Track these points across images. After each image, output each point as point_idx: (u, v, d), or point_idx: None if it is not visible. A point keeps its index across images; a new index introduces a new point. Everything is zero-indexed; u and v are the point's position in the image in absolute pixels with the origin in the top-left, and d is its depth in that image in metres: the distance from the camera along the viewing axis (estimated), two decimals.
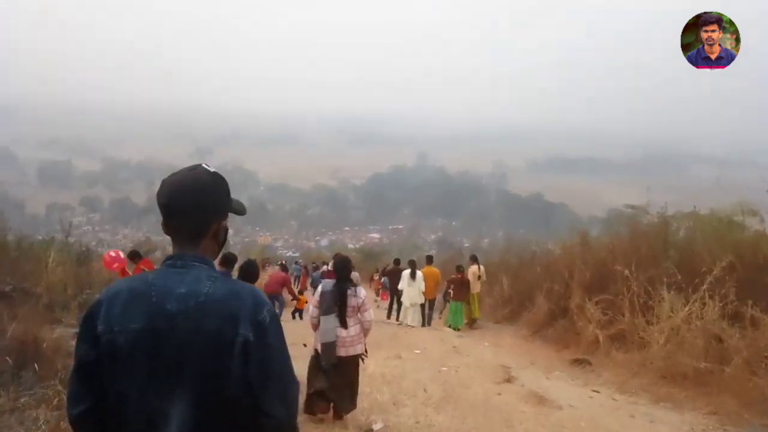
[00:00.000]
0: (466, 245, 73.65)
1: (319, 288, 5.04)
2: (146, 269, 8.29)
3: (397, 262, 14.90)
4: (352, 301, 4.87)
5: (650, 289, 7.30)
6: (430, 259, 13.78)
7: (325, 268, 16.04)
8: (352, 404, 5.02)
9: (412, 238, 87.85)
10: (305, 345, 6.16)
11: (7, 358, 4.32)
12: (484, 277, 12.97)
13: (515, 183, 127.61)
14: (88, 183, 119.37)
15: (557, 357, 7.84)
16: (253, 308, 1.49)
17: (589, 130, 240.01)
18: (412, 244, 71.85)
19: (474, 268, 12.74)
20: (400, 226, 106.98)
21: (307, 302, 14.53)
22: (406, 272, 12.23)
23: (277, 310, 12.25)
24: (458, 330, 11.46)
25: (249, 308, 1.48)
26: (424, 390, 6.02)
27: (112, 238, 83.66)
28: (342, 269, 5.06)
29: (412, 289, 12.05)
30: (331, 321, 4.78)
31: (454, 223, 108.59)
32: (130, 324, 1.43)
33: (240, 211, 1.78)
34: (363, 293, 5.01)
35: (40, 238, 13.77)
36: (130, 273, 8.35)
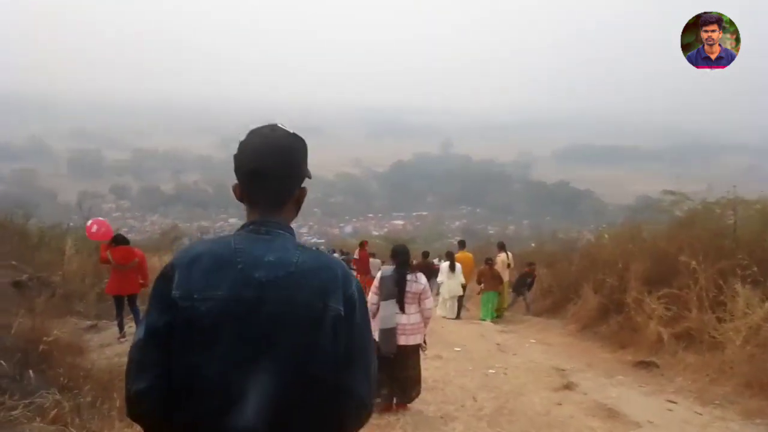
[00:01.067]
0: (491, 232, 73.05)
1: (379, 273, 4.90)
2: (115, 259, 7.81)
3: (425, 255, 14.14)
4: (412, 287, 4.73)
5: (721, 282, 6.48)
6: (462, 244, 13.37)
7: (355, 255, 15.13)
8: (416, 392, 4.92)
9: (437, 226, 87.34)
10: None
11: (1, 362, 3.74)
12: (512, 265, 12.63)
13: (540, 171, 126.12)
14: (117, 172, 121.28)
15: (616, 358, 7.04)
16: (343, 282, 1.42)
17: (615, 117, 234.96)
18: (437, 231, 71.34)
19: (503, 255, 12.34)
20: (425, 213, 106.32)
21: None
22: (445, 265, 11.72)
23: None
24: (493, 322, 10.93)
25: (340, 281, 1.41)
26: (474, 399, 5.37)
27: (140, 224, 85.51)
28: (402, 254, 4.92)
29: (452, 281, 11.53)
30: (390, 307, 4.65)
31: (478, 210, 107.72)
32: (214, 291, 1.33)
33: (309, 175, 1.67)
34: (424, 280, 4.85)
35: (65, 226, 13.47)
36: (107, 255, 7.84)
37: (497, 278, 11.46)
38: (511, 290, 12.60)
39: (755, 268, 6.28)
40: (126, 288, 7.89)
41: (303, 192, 1.61)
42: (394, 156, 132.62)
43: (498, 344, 7.89)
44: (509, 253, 12.52)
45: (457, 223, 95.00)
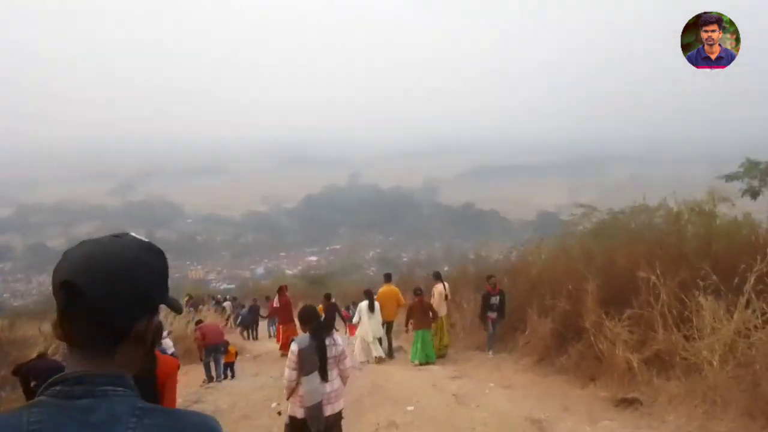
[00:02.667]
0: (405, 259, 73.60)
1: (293, 346, 4.37)
2: None
3: (327, 296, 13.04)
4: (332, 351, 4.40)
5: (683, 296, 5.98)
6: (388, 278, 12.09)
7: (274, 303, 13.51)
8: None
9: (351, 257, 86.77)
10: (280, 413, 5.23)
11: None
12: (450, 296, 11.43)
13: (446, 195, 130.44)
14: None
15: (591, 396, 6.27)
16: None
17: (511, 137, 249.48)
18: (352, 263, 70.57)
19: (439, 287, 11.09)
20: (338, 246, 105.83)
21: (237, 353, 12.41)
22: (364, 304, 10.86)
23: (212, 368, 9.88)
24: (433, 363, 9.76)
25: None
26: None
27: (26, 287, 77.96)
28: (313, 319, 4.49)
29: (373, 321, 10.75)
30: (314, 380, 4.27)
31: (391, 238, 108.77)
32: None
33: (176, 307, 1.13)
34: (341, 340, 4.56)
35: None
36: None
37: (429, 312, 10.26)
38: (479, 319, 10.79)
39: (715, 277, 5.83)
40: None
41: (150, 326, 1.05)
42: (303, 190, 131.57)
43: (454, 395, 6.91)
44: (446, 283, 11.35)
45: (372, 252, 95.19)
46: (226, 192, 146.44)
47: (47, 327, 12.43)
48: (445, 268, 27.41)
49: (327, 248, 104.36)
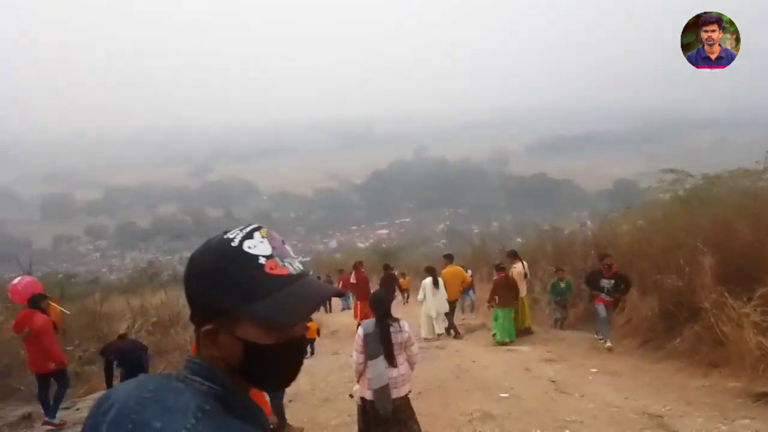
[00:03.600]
0: (476, 232, 72.45)
1: (360, 330, 4.55)
2: (29, 325, 6.10)
3: (386, 267, 13.01)
4: (398, 338, 4.44)
5: None
6: (449, 258, 11.73)
7: (351, 279, 13.16)
8: None
9: (421, 231, 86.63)
10: (351, 396, 5.14)
11: None
12: (529, 275, 10.81)
13: (516, 166, 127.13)
14: (91, 212, 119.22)
15: (716, 387, 5.48)
16: None
17: (584, 105, 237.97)
18: (422, 236, 70.46)
19: (518, 266, 10.40)
20: (407, 220, 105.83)
21: (318, 330, 12.24)
22: (428, 281, 10.73)
23: None
24: (512, 343, 9.25)
25: None
26: None
27: (120, 263, 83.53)
28: (380, 305, 4.56)
29: (438, 298, 10.59)
30: (380, 364, 4.37)
31: (460, 211, 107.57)
32: None
33: (276, 320, 1.01)
34: (407, 327, 4.54)
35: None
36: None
37: (514, 290, 9.73)
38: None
39: None
40: (38, 364, 6.19)
41: (220, 334, 1.02)
42: (370, 166, 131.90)
43: (553, 381, 6.26)
44: (524, 261, 10.64)
45: (441, 226, 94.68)
46: (296, 170, 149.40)
47: (136, 301, 13.00)
48: (518, 240, 26.40)
49: (396, 222, 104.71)
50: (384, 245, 52.43)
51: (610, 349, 7.73)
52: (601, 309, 8.21)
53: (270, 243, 1.09)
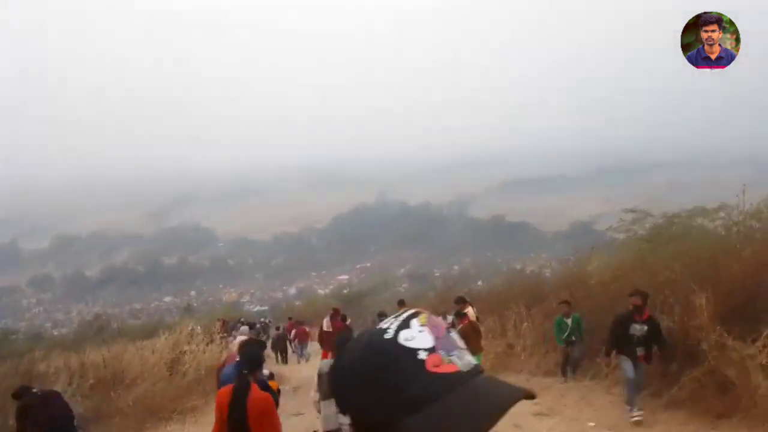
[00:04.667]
0: (437, 275, 72.17)
1: (318, 368, 4.61)
2: None
3: (335, 312, 12.37)
4: None
5: None
6: (401, 304, 11.68)
7: (324, 327, 12.17)
8: None
9: (383, 275, 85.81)
10: None
11: None
12: (479, 320, 10.56)
13: (476, 209, 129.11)
14: (37, 262, 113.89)
15: None
16: None
17: (541, 149, 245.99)
18: (383, 281, 69.48)
19: (469, 310, 9.91)
20: (368, 264, 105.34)
21: (279, 389, 11.09)
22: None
23: None
24: None
25: None
26: None
27: (65, 317, 79.12)
28: (337, 348, 4.54)
29: None
30: (331, 406, 4.24)
31: (421, 254, 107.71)
32: None
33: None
34: None
35: None
36: None
37: (479, 335, 9.04)
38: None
39: None
40: None
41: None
42: (333, 210, 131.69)
43: None
44: (473, 306, 10.32)
45: (402, 270, 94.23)
46: (256, 215, 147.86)
47: (79, 358, 11.75)
48: (479, 283, 26.11)
49: (357, 266, 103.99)
50: (345, 291, 51.40)
51: (639, 423, 5.98)
52: (628, 367, 6.25)
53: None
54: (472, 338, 8.83)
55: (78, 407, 6.36)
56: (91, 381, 8.66)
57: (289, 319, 19.87)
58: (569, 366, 8.66)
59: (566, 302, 9.06)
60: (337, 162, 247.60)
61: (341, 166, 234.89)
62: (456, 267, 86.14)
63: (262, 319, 29.34)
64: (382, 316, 9.89)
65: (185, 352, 11.03)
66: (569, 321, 8.80)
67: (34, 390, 5.13)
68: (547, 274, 16.82)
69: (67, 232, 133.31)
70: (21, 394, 5.26)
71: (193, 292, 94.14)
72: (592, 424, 6.18)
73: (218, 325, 17.89)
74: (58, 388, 7.80)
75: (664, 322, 6.24)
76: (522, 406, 5.17)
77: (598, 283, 10.01)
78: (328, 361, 4.72)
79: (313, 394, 4.59)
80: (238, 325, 22.58)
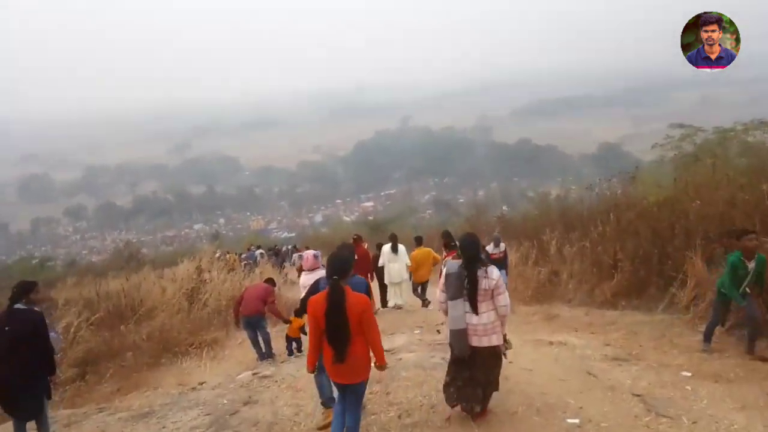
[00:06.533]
0: (461, 201, 71.46)
1: (443, 269, 4.51)
2: None
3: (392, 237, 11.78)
4: (483, 284, 4.19)
5: None
6: (419, 241, 11.06)
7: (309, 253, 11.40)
8: (483, 405, 4.41)
9: (407, 202, 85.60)
10: (439, 331, 4.99)
11: None
12: None
13: (501, 133, 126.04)
14: (69, 193, 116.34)
15: None
16: None
17: (566, 69, 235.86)
18: (408, 207, 69.30)
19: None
20: (393, 191, 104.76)
21: (304, 325, 10.17)
22: (386, 247, 10.74)
23: (261, 344, 7.75)
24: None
25: None
26: None
27: (101, 244, 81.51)
28: (469, 248, 4.31)
29: (394, 264, 10.54)
30: (459, 307, 4.25)
31: (446, 180, 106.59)
32: None
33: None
34: (496, 273, 4.23)
35: None
36: None
37: None
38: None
39: None
40: None
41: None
42: (355, 137, 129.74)
43: (637, 396, 4.52)
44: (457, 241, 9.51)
45: (427, 196, 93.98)
46: (280, 144, 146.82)
47: (111, 284, 11.36)
48: (504, 208, 25.21)
49: (382, 194, 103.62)
50: (371, 218, 51.26)
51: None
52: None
53: None
54: None
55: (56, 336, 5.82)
56: (99, 314, 8.07)
57: (306, 248, 18.68)
58: (736, 330, 6.20)
59: (750, 232, 5.81)
60: (358, 89, 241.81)
61: (362, 92, 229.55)
62: (481, 193, 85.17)
63: (276, 246, 28.42)
64: (394, 239, 10.67)
65: (206, 280, 10.48)
66: (751, 264, 5.73)
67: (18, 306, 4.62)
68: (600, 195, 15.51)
69: (97, 162, 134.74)
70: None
71: (222, 220, 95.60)
72: (687, 374, 5.11)
73: (233, 257, 17.01)
74: (66, 321, 7.36)
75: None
76: (589, 347, 4.13)
77: (653, 204, 8.98)
78: (456, 263, 4.29)
79: (440, 295, 4.47)
80: (253, 249, 22.14)
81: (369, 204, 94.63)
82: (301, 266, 9.89)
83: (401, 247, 10.60)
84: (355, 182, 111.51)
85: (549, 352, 5.95)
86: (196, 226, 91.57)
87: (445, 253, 9.39)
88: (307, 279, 6.00)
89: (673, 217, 7.63)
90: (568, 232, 11.35)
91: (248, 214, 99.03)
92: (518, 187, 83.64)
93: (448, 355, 4.42)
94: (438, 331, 5.17)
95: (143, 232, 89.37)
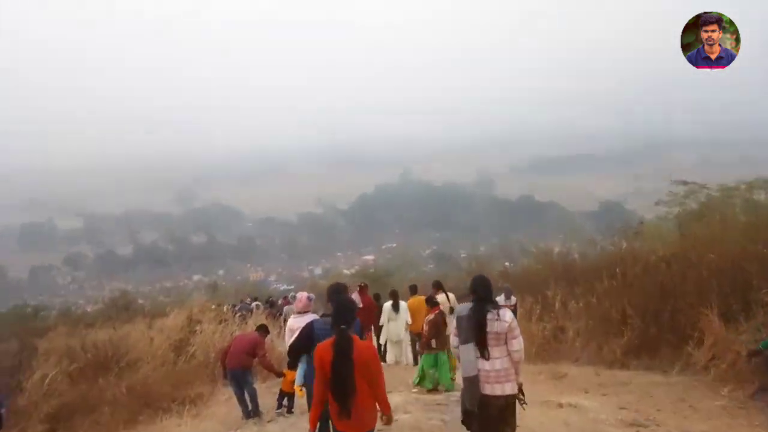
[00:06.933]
0: (463, 255, 71.04)
1: (456, 311, 4.37)
2: None
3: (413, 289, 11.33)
4: (495, 327, 3.96)
5: None
6: (414, 290, 10.74)
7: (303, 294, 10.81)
8: None
9: (408, 255, 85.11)
10: (453, 378, 4.88)
11: None
12: (455, 309, 9.27)
13: (502, 188, 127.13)
14: (71, 241, 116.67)
15: None
16: None
17: (567, 127, 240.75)
18: (408, 261, 68.75)
19: (440, 297, 9.01)
20: (393, 245, 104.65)
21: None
22: (387, 304, 10.34)
23: (247, 401, 6.40)
24: (450, 391, 7.11)
25: None
26: None
27: (99, 293, 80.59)
28: (481, 288, 4.15)
29: (394, 324, 10.24)
30: (470, 351, 4.03)
31: (447, 234, 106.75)
32: None
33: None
34: (509, 316, 3.99)
35: None
36: None
37: (440, 327, 7.70)
38: None
39: None
40: None
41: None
42: (357, 190, 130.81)
43: None
44: (450, 294, 9.43)
45: (428, 250, 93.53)
46: (282, 195, 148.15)
47: (102, 334, 10.81)
48: (506, 264, 24.91)
49: (382, 247, 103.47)
50: (371, 270, 50.77)
51: None
52: None
53: None
54: (440, 331, 7.52)
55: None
56: (75, 365, 7.49)
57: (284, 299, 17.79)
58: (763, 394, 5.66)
59: None
60: (360, 142, 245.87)
61: (364, 146, 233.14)
62: (482, 248, 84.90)
63: (271, 297, 26.97)
64: (395, 296, 10.31)
65: (195, 331, 10.02)
66: None
67: None
68: (590, 253, 15.32)
69: (98, 211, 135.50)
70: None
71: (221, 271, 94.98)
72: None
73: (229, 307, 16.46)
74: (41, 372, 6.92)
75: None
76: (603, 411, 3.70)
77: (659, 260, 8.69)
78: (467, 305, 4.16)
79: (452, 339, 4.35)
80: (249, 300, 21.26)
81: (369, 257, 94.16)
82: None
83: (403, 305, 10.25)
84: (355, 235, 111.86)
85: (559, 416, 5.47)
86: (195, 277, 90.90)
87: (427, 309, 8.51)
88: (295, 322, 5.69)
89: (684, 271, 7.31)
90: (572, 287, 11.02)
91: (248, 265, 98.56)
92: (519, 242, 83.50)
93: (447, 417, 4.12)
94: (452, 378, 4.98)
95: (142, 282, 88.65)
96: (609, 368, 7.72)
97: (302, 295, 6.03)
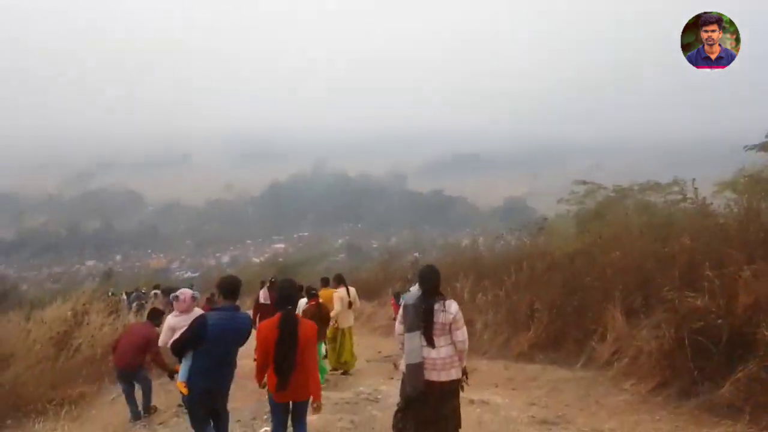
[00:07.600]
0: (375, 246, 71.65)
1: (402, 300, 4.41)
2: None
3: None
4: (440, 317, 4.09)
5: None
6: (325, 282, 10.02)
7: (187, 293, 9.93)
8: None
9: (319, 246, 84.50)
10: (396, 366, 4.77)
11: None
12: (357, 304, 9.50)
13: (415, 182, 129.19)
14: None
15: None
16: None
17: (476, 128, 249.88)
18: (320, 251, 68.27)
19: (341, 292, 8.91)
20: (305, 234, 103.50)
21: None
22: (303, 301, 8.56)
23: (138, 399, 6.49)
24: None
25: None
26: None
27: None
28: (429, 280, 4.22)
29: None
30: (415, 339, 4.12)
31: (359, 225, 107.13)
32: None
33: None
34: (455, 308, 4.13)
35: None
36: None
37: (326, 321, 8.02)
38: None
39: None
40: None
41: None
42: (269, 178, 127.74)
43: None
44: (351, 288, 9.21)
45: (340, 240, 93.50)
46: (189, 181, 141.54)
47: None
48: (416, 254, 25.33)
49: (294, 236, 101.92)
50: (281, 259, 49.68)
51: None
52: None
53: None
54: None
55: None
56: None
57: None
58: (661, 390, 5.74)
59: None
60: (274, 132, 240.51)
61: (278, 135, 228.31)
62: (393, 239, 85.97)
63: (171, 287, 24.63)
64: (312, 289, 8.92)
65: (81, 323, 9.03)
66: None
67: None
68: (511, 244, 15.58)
69: None
70: None
71: (118, 257, 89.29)
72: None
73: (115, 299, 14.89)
74: None
75: (693, 301, 5.02)
76: (514, 407, 3.52)
77: (563, 256, 8.95)
78: (414, 294, 4.20)
79: (397, 326, 4.38)
80: (142, 289, 19.59)
81: (280, 246, 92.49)
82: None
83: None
84: (267, 223, 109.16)
85: (472, 413, 5.34)
86: (89, 263, 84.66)
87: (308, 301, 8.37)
88: (177, 321, 5.43)
89: (587, 267, 7.52)
90: (481, 281, 11.14)
91: (149, 251, 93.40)
92: (429, 235, 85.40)
93: (357, 418, 3.89)
94: (395, 366, 5.16)
95: (26, 268, 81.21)
96: (516, 362, 7.82)
97: (186, 295, 5.68)
